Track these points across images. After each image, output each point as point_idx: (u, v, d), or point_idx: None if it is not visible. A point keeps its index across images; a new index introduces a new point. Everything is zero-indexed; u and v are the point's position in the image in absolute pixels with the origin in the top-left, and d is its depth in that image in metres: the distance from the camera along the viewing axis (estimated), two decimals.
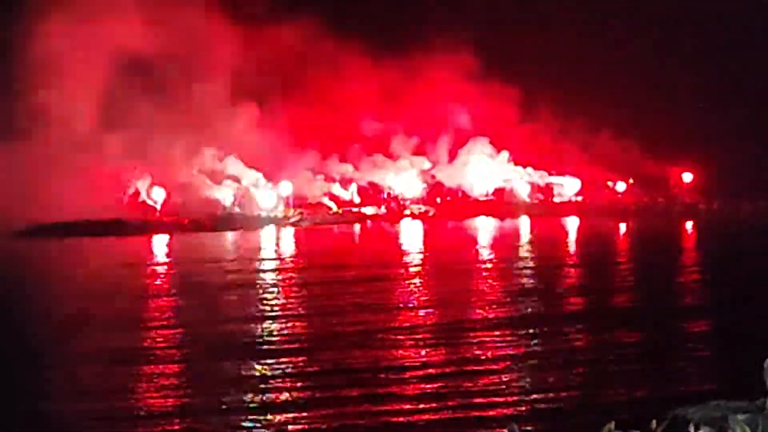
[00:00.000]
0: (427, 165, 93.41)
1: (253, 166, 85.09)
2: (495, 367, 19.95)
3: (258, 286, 36.76)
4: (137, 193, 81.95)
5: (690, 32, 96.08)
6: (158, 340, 24.19)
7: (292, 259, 51.69)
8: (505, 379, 18.74)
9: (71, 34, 79.61)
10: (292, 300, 32.10)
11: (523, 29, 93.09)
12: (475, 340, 22.99)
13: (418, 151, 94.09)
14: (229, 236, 71.30)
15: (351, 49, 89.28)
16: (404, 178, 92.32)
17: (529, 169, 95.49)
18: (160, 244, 64.10)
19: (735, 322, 25.10)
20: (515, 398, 17.37)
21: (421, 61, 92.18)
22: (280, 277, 40.66)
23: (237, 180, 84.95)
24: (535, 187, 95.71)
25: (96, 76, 79.89)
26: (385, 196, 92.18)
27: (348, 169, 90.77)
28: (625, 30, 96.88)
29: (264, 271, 43.33)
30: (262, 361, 20.87)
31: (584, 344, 23.18)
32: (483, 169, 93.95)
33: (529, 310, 28.19)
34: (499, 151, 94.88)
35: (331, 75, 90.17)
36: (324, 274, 39.56)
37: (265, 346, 23.11)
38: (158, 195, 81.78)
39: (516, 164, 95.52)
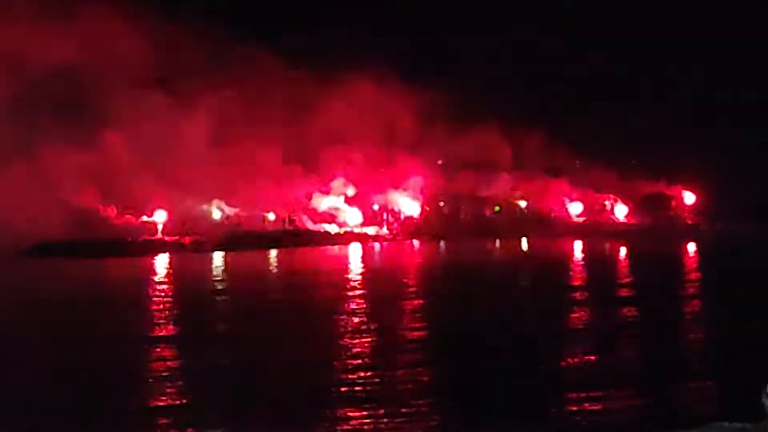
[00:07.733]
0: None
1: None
2: None
3: None
4: (126, 213, 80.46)
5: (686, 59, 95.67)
6: None
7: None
8: None
9: None
10: None
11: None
12: None
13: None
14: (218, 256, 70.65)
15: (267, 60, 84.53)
16: (405, 198, 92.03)
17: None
18: (162, 263, 63.36)
19: (736, 343, 25.05)
20: None
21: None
22: None
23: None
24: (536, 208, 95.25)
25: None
26: (386, 216, 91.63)
27: (346, 187, 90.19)
28: (622, 43, 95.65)
29: None
30: None
31: (579, 363, 23.15)
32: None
33: None
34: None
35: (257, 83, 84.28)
36: None
37: None
38: (159, 216, 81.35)
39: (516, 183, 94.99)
